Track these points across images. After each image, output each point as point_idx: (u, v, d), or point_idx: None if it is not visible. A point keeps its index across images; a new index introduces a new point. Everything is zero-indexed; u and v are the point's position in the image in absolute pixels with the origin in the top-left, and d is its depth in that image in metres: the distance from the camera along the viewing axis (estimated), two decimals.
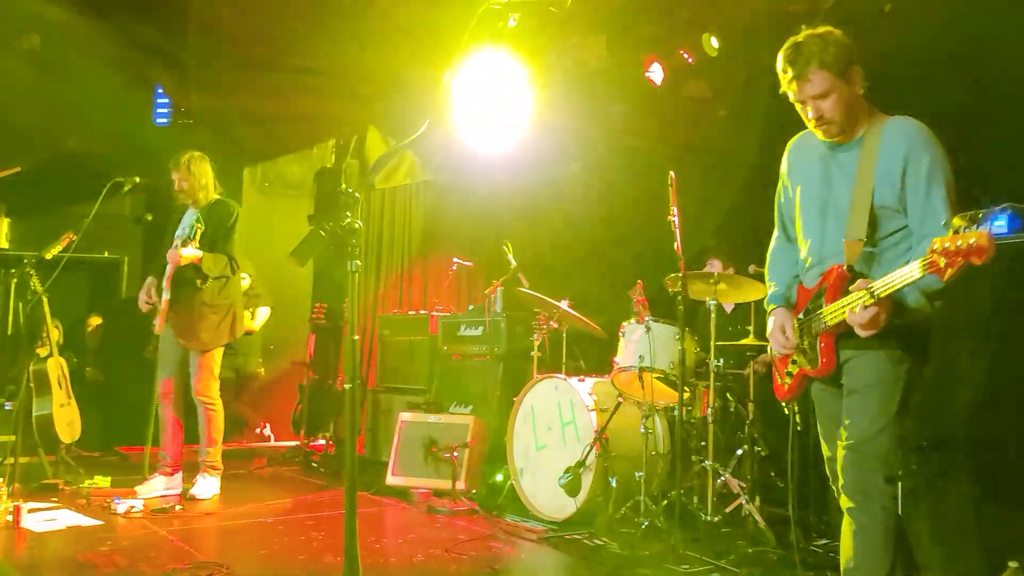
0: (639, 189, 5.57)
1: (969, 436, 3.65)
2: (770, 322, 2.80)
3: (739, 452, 4.64)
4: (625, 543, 4.10)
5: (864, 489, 2.51)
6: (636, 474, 4.33)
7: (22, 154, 7.33)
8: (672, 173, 4.26)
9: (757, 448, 4.57)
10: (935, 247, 2.16)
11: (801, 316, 2.70)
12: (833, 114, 2.55)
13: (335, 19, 6.14)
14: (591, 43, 5.89)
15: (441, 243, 7.73)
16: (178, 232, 5.16)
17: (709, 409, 4.44)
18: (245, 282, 6.14)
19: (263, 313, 7.16)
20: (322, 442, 6.98)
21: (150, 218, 7.73)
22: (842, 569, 2.59)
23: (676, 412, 4.31)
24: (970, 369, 3.73)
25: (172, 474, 5.13)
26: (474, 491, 5.22)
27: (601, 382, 4.87)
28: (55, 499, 4.87)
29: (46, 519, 4.37)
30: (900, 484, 2.58)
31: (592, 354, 5.64)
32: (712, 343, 4.47)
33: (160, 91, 7.89)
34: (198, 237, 4.97)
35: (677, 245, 4.27)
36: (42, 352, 5.81)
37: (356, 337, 2.42)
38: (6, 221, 7.90)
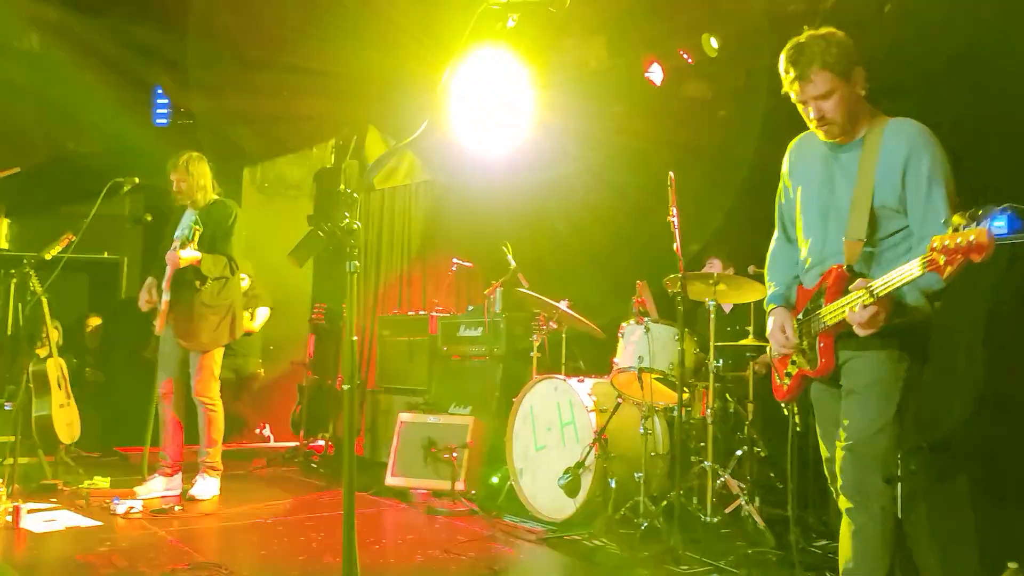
0: (638, 189, 5.56)
1: (968, 437, 3.65)
2: (770, 322, 2.80)
3: (738, 453, 4.64)
4: (624, 544, 4.10)
5: (863, 489, 2.51)
6: (635, 475, 4.32)
7: (22, 154, 7.34)
8: (671, 173, 4.26)
9: (756, 449, 4.57)
10: (935, 245, 2.17)
11: (800, 316, 2.70)
12: (835, 115, 2.55)
13: (335, 19, 6.14)
14: (591, 44, 5.89)
15: (441, 244, 7.73)
16: (177, 233, 5.16)
17: (708, 410, 4.44)
18: (244, 283, 6.14)
19: (263, 313, 7.16)
20: (321, 443, 6.98)
21: (149, 218, 7.72)
22: (841, 570, 2.59)
23: (675, 413, 4.31)
24: (969, 370, 3.72)
25: (172, 475, 5.13)
26: (473, 492, 5.22)
27: (600, 383, 4.87)
28: (54, 500, 4.87)
29: (45, 520, 4.37)
30: (900, 485, 2.58)
31: (591, 355, 5.63)
32: (712, 344, 4.48)
33: (160, 91, 7.89)
34: (196, 239, 4.97)
35: (676, 246, 4.27)
36: (42, 353, 5.81)
37: (355, 338, 2.41)
38: (5, 221, 7.89)
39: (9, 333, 5.57)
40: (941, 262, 2.16)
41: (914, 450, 3.51)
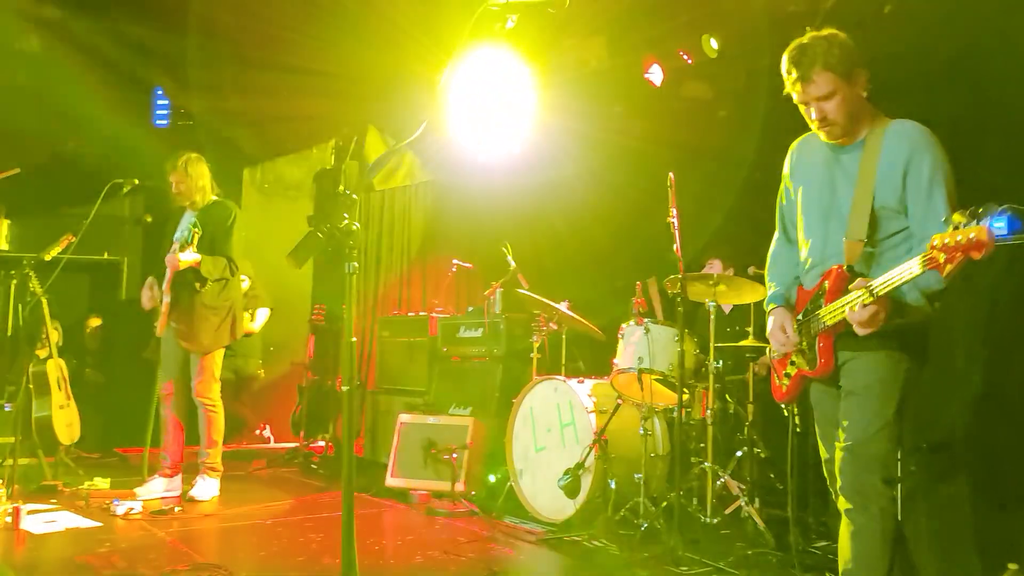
0: (638, 190, 5.56)
1: (967, 438, 3.65)
2: (770, 321, 2.81)
3: (738, 454, 4.63)
4: (624, 545, 4.10)
5: (862, 490, 2.51)
6: (635, 476, 4.32)
7: (21, 155, 7.32)
8: (671, 174, 4.26)
9: (756, 450, 4.56)
10: (935, 243, 2.18)
11: (800, 317, 2.70)
12: (836, 116, 2.56)
13: (335, 19, 6.14)
14: (590, 44, 5.88)
15: (440, 244, 7.72)
16: (176, 235, 5.16)
17: (708, 411, 4.44)
18: (244, 283, 6.14)
19: (262, 314, 7.16)
20: (321, 443, 6.98)
21: (149, 219, 7.75)
22: (840, 571, 2.59)
23: (675, 414, 4.31)
24: (968, 371, 3.72)
25: (171, 476, 5.13)
26: (473, 493, 5.21)
27: (600, 384, 4.86)
28: (54, 501, 4.87)
29: (45, 521, 4.37)
30: (899, 486, 2.58)
31: (591, 356, 5.64)
32: (711, 344, 4.47)
33: (159, 92, 7.89)
34: (196, 241, 4.96)
35: (676, 246, 4.26)
36: (42, 354, 5.81)
37: (353, 339, 2.41)
38: (5, 222, 7.89)
39: (9, 334, 5.57)
40: (941, 260, 2.16)
41: (913, 450, 3.52)
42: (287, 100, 7.37)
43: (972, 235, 2.11)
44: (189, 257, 4.92)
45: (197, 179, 5.15)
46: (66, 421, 5.74)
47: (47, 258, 5.14)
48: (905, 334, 2.49)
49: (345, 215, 2.28)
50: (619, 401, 4.59)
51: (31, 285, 5.26)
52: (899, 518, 2.56)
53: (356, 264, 2.35)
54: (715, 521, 4.25)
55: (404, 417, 5.68)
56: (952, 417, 3.70)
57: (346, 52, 6.46)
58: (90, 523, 4.37)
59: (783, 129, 2.93)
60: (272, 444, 7.96)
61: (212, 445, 5.15)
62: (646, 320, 4.49)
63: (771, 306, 2.84)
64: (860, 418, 2.53)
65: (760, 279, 3.63)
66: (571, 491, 4.42)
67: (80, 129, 7.23)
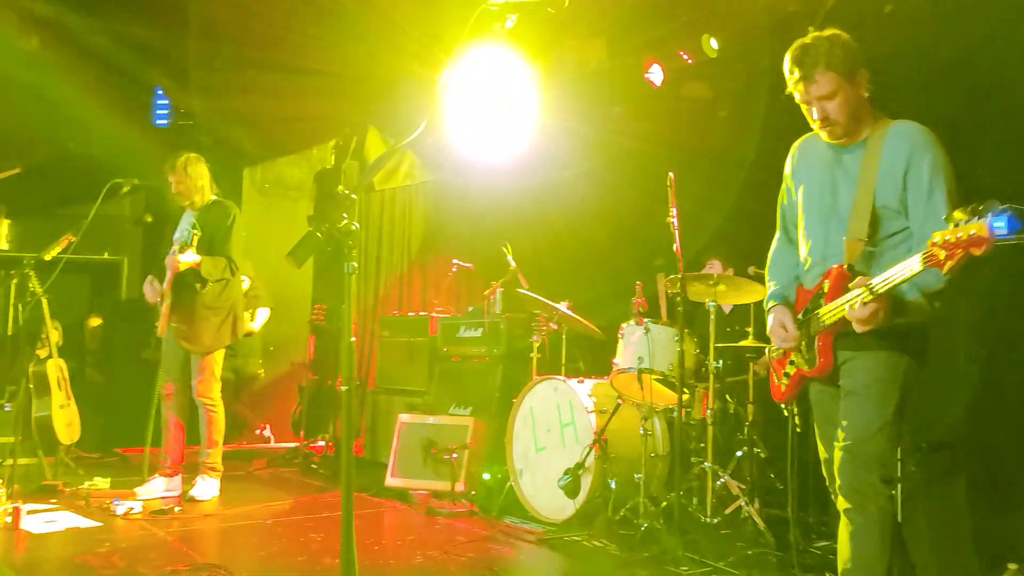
0: (638, 190, 5.56)
1: (966, 438, 3.65)
2: (770, 319, 2.81)
3: (738, 454, 4.63)
4: (624, 545, 4.10)
5: (861, 490, 2.50)
6: (635, 476, 4.32)
7: (22, 155, 7.34)
8: (671, 174, 4.26)
9: (756, 450, 4.56)
10: (935, 240, 2.19)
11: (800, 316, 2.70)
12: (838, 115, 2.56)
13: (335, 20, 6.14)
14: (591, 45, 5.89)
15: (440, 244, 7.73)
16: (176, 235, 5.16)
17: (708, 411, 4.44)
18: (245, 283, 6.14)
19: (263, 314, 7.16)
20: (322, 443, 6.98)
21: (150, 219, 7.74)
22: (839, 570, 2.59)
23: (675, 414, 4.31)
24: (968, 370, 3.72)
25: (172, 475, 5.13)
26: (473, 492, 5.21)
27: (600, 384, 4.87)
28: (54, 500, 4.87)
29: (45, 520, 4.37)
30: (899, 486, 2.58)
31: (591, 356, 5.64)
32: (711, 344, 4.47)
33: (160, 92, 7.89)
34: (195, 242, 4.96)
35: (676, 246, 4.26)
36: (42, 353, 5.81)
37: (353, 339, 2.41)
38: (6, 222, 7.89)
39: (9, 334, 5.57)
40: (941, 256, 2.17)
41: (913, 450, 3.51)
42: (287, 100, 7.36)
43: (973, 231, 2.11)
44: (189, 258, 4.92)
45: (196, 179, 5.15)
46: (66, 421, 5.74)
47: (47, 258, 5.14)
48: (905, 334, 2.50)
49: (344, 215, 2.28)
50: (619, 401, 4.59)
51: (31, 285, 5.25)
52: (899, 518, 2.55)
53: (356, 264, 2.34)
54: (715, 521, 4.25)
55: (404, 417, 5.68)
56: (952, 417, 3.70)
57: (346, 52, 6.46)
58: (90, 523, 4.38)
59: (783, 129, 2.94)
60: (272, 444, 7.96)
61: (212, 445, 5.15)
62: (646, 320, 4.49)
63: (771, 304, 2.84)
64: (859, 418, 2.53)
65: (760, 279, 3.63)
66: (571, 491, 4.42)
67: (80, 129, 7.23)
